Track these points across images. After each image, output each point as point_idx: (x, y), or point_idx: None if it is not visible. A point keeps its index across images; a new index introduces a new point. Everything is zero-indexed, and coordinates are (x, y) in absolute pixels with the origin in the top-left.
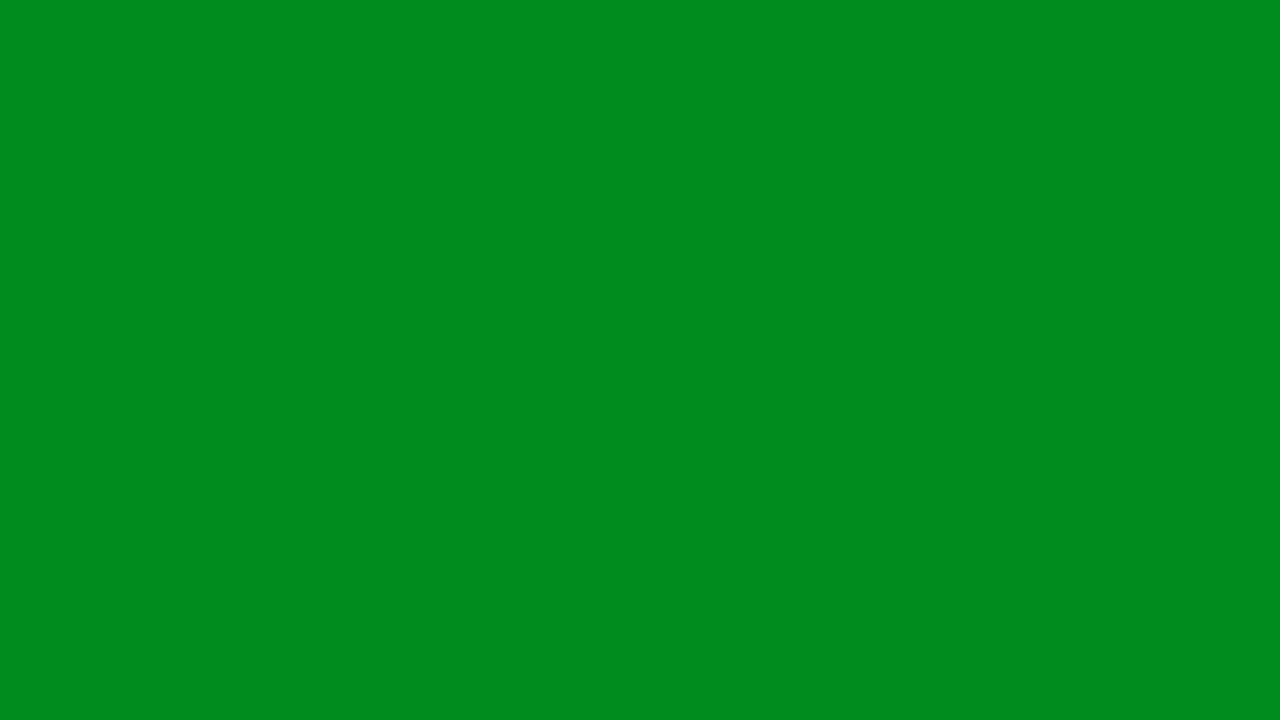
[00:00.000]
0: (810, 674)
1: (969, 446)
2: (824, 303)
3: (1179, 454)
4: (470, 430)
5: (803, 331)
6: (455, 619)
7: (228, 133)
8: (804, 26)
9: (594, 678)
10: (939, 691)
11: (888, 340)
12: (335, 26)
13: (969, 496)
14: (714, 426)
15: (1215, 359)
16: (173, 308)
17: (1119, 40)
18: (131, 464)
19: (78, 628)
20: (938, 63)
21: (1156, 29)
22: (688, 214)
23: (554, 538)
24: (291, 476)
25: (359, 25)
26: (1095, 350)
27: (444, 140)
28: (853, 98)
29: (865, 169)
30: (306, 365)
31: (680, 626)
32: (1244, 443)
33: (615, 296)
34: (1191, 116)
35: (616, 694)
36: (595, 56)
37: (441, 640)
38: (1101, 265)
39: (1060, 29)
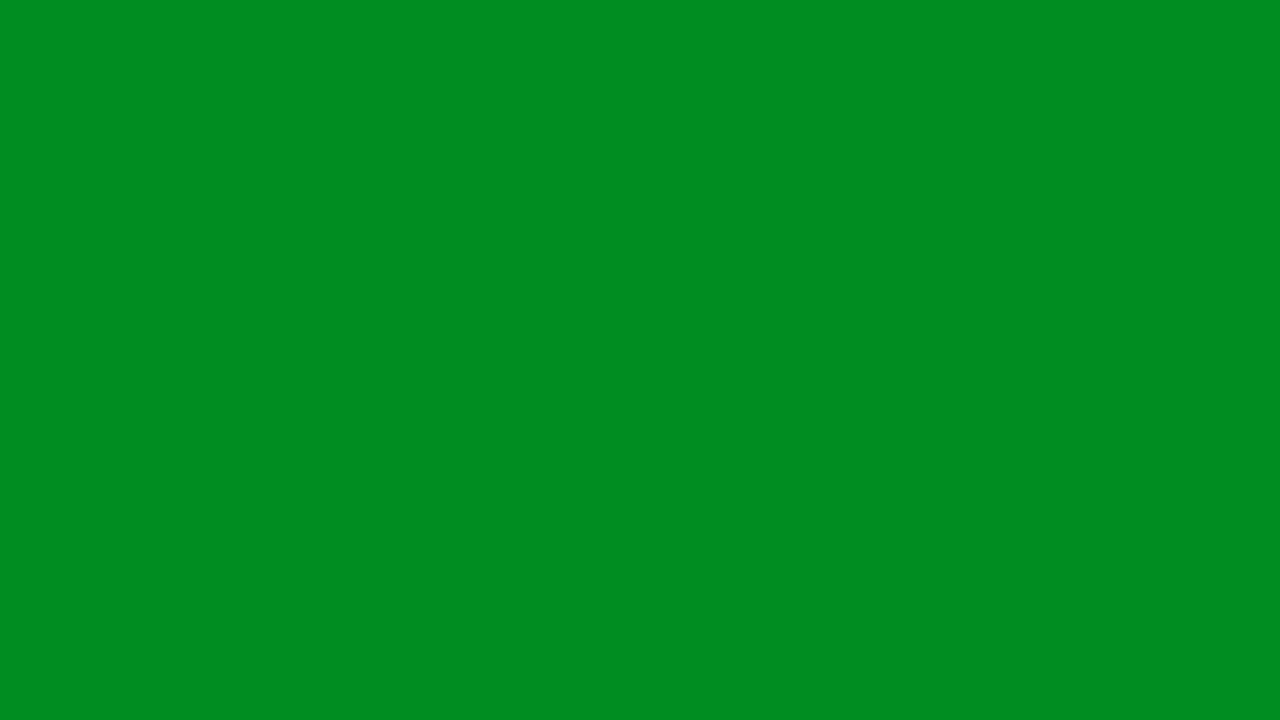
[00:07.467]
0: (810, 674)
1: (969, 447)
2: (824, 304)
3: (1178, 454)
4: (470, 431)
5: (803, 333)
6: (455, 619)
7: (228, 135)
8: (807, 26)
9: (594, 678)
10: (939, 691)
11: (888, 342)
12: (336, 27)
13: (969, 497)
14: (715, 427)
15: (1215, 362)
16: (177, 310)
17: (1119, 40)
18: (132, 465)
19: (77, 628)
20: (939, 63)
21: (1156, 29)
22: (688, 215)
23: (553, 539)
24: (291, 478)
25: (360, 25)
26: (1094, 352)
27: (444, 141)
28: (853, 99)
29: (865, 170)
30: (308, 367)
31: (680, 627)
32: (1243, 443)
33: (616, 298)
34: (1191, 118)
35: (616, 694)
36: (596, 56)
37: (441, 640)
38: (1101, 266)
39: (1060, 30)
